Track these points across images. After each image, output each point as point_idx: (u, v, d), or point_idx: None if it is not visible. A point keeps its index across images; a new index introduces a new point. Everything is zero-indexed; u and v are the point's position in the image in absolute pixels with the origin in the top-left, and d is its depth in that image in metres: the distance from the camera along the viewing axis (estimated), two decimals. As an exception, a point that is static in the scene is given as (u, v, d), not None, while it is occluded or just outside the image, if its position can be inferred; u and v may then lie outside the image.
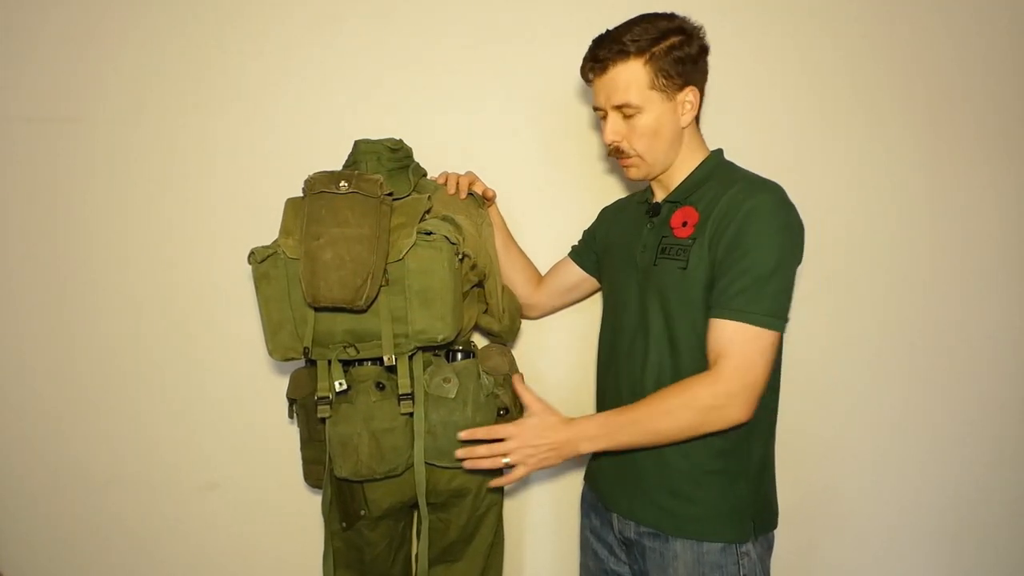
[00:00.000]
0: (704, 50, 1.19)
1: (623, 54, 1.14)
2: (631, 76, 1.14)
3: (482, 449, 1.16)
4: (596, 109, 1.23)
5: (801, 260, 1.14)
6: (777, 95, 1.59)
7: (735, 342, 1.07)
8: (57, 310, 1.60)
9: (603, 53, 1.16)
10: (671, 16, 1.17)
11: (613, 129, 1.19)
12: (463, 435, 1.19)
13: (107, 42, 1.57)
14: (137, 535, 1.64)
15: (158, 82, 1.57)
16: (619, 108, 1.17)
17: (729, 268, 1.09)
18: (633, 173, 1.24)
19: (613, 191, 1.56)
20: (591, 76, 1.20)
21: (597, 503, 1.31)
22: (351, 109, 1.57)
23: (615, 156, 1.23)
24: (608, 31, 1.18)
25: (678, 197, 1.21)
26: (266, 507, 1.64)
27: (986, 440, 1.67)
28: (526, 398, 1.19)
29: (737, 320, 1.07)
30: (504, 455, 1.15)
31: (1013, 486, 1.69)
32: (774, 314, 1.07)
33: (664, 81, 1.15)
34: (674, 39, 1.14)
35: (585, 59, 1.20)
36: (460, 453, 1.18)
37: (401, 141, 1.32)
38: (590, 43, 1.20)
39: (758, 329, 1.07)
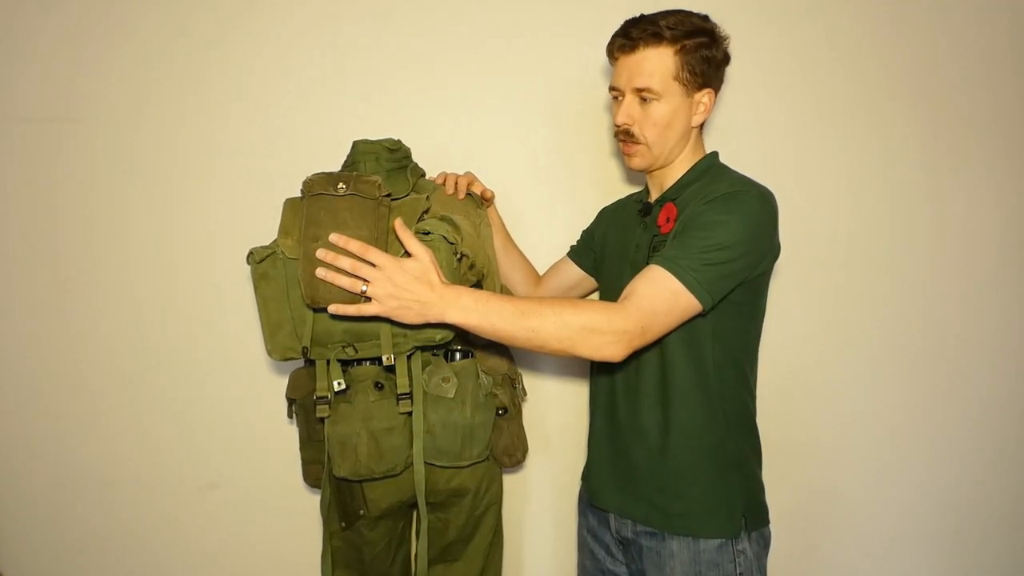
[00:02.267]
0: (727, 58, 1.21)
1: (657, 37, 1.14)
2: (659, 61, 1.15)
3: (347, 262, 1.06)
4: (612, 89, 1.22)
5: (760, 262, 1.12)
6: (776, 95, 1.59)
7: (654, 283, 1.07)
8: (57, 310, 1.60)
9: (636, 32, 1.15)
10: (705, 17, 1.18)
11: (627, 112, 1.19)
12: (333, 237, 1.08)
13: (107, 42, 1.57)
14: (137, 535, 1.64)
15: (158, 82, 1.58)
16: (639, 91, 1.17)
17: (682, 233, 1.10)
18: (636, 162, 1.23)
19: (613, 191, 1.55)
20: (618, 54, 1.19)
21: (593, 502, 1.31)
22: (351, 109, 1.57)
23: (622, 140, 1.22)
24: (642, 14, 1.18)
25: (668, 197, 1.22)
26: (266, 507, 1.64)
27: (986, 440, 1.67)
28: (412, 245, 1.08)
29: (664, 267, 1.07)
30: (366, 282, 1.05)
31: (1013, 486, 1.68)
32: (700, 281, 1.06)
33: (688, 75, 1.15)
34: (705, 39, 1.16)
35: (615, 36, 1.19)
36: (321, 254, 1.07)
37: (399, 141, 1.32)
38: (621, 23, 1.19)
39: (679, 285, 1.05)
